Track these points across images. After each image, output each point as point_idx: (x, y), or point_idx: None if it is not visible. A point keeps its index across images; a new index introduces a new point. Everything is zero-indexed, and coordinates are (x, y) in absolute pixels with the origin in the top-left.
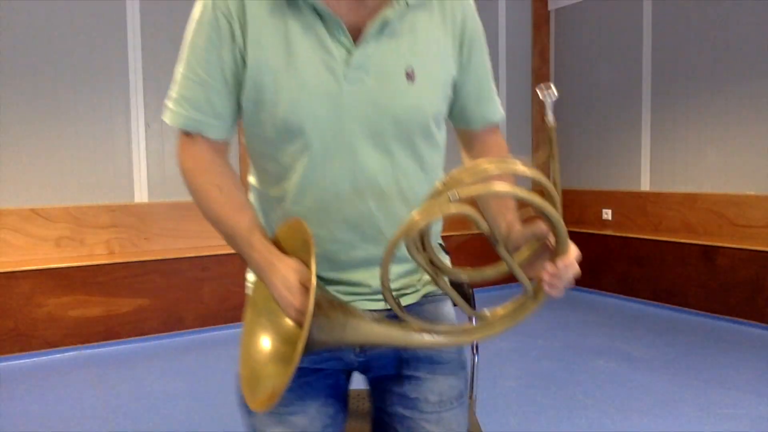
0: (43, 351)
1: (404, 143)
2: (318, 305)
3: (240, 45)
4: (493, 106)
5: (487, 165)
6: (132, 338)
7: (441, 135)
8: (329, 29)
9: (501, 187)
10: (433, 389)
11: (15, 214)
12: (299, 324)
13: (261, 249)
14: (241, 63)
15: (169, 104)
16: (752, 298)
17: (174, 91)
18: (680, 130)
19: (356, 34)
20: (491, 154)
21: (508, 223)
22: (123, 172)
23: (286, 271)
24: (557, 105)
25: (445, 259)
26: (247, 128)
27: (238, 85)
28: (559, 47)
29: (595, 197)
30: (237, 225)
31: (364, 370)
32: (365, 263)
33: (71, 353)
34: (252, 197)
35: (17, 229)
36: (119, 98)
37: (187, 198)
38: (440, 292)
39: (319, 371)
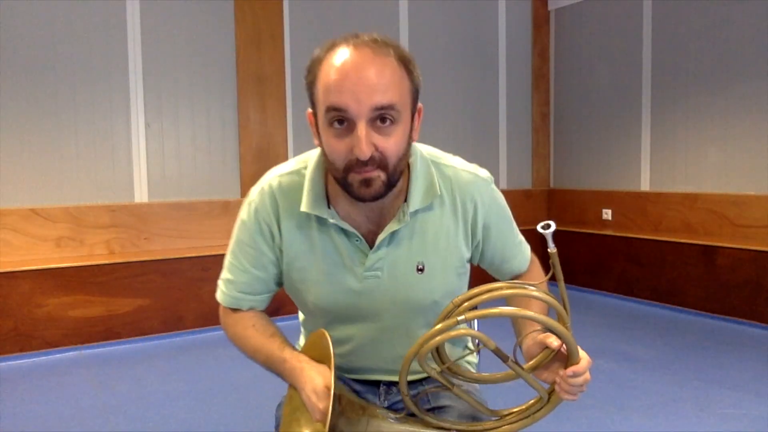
0: (43, 351)
1: (416, 315)
2: (340, 407)
3: (278, 245)
4: (520, 259)
5: (499, 288)
6: (132, 338)
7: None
8: (349, 238)
9: (507, 310)
10: (453, 413)
11: (15, 214)
12: (323, 424)
13: (291, 358)
14: (278, 258)
15: (221, 286)
16: (752, 298)
17: (223, 275)
18: (680, 130)
19: (373, 240)
20: None
21: (530, 334)
22: (123, 172)
23: (313, 375)
24: (557, 104)
25: (471, 358)
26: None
27: (275, 274)
28: (559, 47)
29: (595, 197)
30: (270, 347)
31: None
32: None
33: (71, 353)
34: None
35: (17, 229)
36: (119, 98)
37: (187, 198)
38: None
39: None
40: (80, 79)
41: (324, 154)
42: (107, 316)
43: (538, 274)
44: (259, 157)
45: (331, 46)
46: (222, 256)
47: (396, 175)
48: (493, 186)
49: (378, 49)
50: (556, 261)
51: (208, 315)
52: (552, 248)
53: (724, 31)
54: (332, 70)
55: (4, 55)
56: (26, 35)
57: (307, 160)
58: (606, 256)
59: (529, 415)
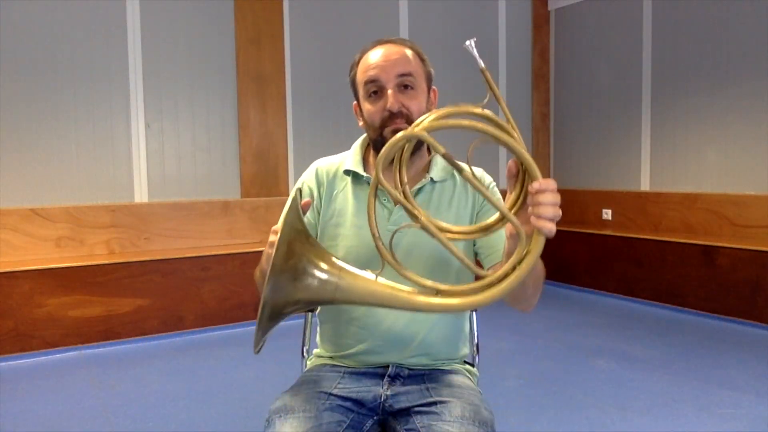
0: (43, 351)
1: (430, 272)
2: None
3: (317, 207)
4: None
5: (447, 109)
6: (132, 338)
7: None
8: (378, 198)
9: (466, 122)
10: (455, 407)
11: (15, 214)
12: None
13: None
14: (317, 220)
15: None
16: (752, 298)
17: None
18: (680, 130)
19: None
20: None
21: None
22: (123, 172)
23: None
24: (557, 104)
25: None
26: None
27: (314, 224)
28: (559, 47)
29: (595, 197)
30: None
31: (391, 406)
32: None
33: (71, 353)
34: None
35: (17, 229)
36: (119, 98)
37: (187, 198)
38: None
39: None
40: (80, 79)
41: (366, 126)
42: (107, 316)
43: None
44: (259, 157)
45: (364, 50)
46: (222, 256)
47: None
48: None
49: (396, 42)
50: (488, 76)
51: (208, 315)
52: (482, 64)
53: (724, 31)
54: (366, 59)
55: (4, 56)
56: (26, 35)
57: (348, 152)
58: (606, 256)
59: (519, 263)
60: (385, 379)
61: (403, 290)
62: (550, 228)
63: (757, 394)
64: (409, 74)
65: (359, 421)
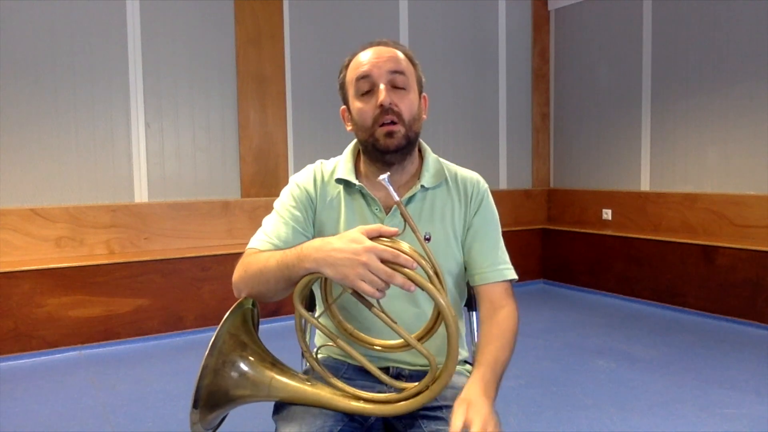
0: (43, 351)
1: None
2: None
3: (313, 207)
4: (494, 272)
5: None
6: (132, 338)
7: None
8: (370, 206)
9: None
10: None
11: (15, 214)
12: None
13: (311, 241)
14: (313, 219)
15: (257, 236)
16: (752, 298)
17: (258, 234)
18: (680, 130)
19: (389, 208)
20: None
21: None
22: (123, 172)
23: (344, 233)
24: (557, 104)
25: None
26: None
27: (304, 230)
28: (559, 47)
29: (595, 197)
30: (270, 257)
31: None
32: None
33: (71, 353)
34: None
35: (17, 229)
36: (119, 98)
37: (187, 198)
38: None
39: None
40: (80, 79)
41: (355, 129)
42: (107, 316)
43: (505, 319)
44: (259, 157)
45: (354, 53)
46: (222, 256)
47: (412, 133)
48: (489, 192)
49: (388, 44)
50: (403, 209)
51: (208, 315)
52: (395, 197)
53: (724, 31)
54: (357, 59)
55: (4, 56)
56: (26, 35)
57: (341, 158)
58: (606, 256)
59: (432, 383)
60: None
61: (327, 394)
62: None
63: (757, 394)
64: (401, 72)
65: (363, 417)
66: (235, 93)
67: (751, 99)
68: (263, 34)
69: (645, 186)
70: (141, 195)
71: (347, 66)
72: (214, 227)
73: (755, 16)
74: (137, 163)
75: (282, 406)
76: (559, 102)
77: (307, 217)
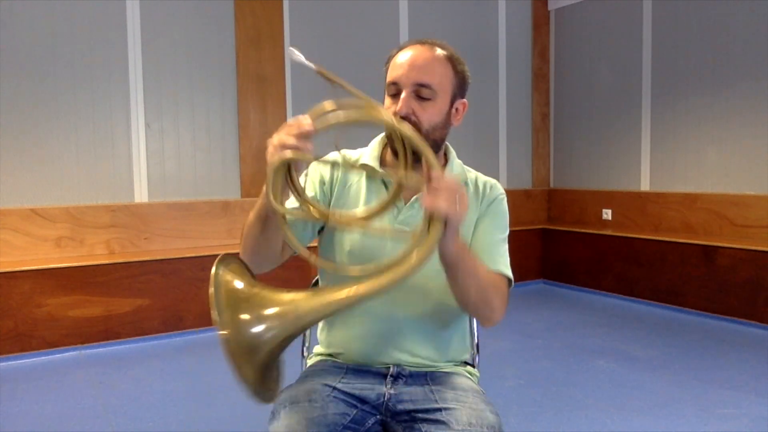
0: (43, 351)
1: (434, 274)
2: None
3: (329, 187)
4: (489, 264)
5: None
6: (132, 338)
7: None
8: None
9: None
10: (462, 415)
11: (15, 214)
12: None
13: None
14: (328, 200)
15: None
16: (752, 298)
17: None
18: (680, 130)
19: (408, 199)
20: None
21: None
22: (123, 172)
23: None
24: (557, 104)
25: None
26: (321, 254)
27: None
28: (559, 47)
29: (595, 197)
30: (250, 215)
31: (394, 406)
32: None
33: (71, 353)
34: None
35: (17, 229)
36: (119, 98)
37: (187, 198)
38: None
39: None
40: (80, 79)
41: None
42: (107, 316)
43: (496, 292)
44: (259, 157)
45: (400, 46)
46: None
47: (430, 141)
48: (505, 200)
49: (430, 46)
50: (325, 73)
51: (208, 315)
52: (312, 65)
53: (724, 31)
54: (396, 59)
55: (4, 56)
56: (26, 35)
57: (366, 148)
58: (606, 256)
59: (424, 243)
60: (387, 379)
61: (336, 293)
62: (444, 205)
63: (757, 394)
64: (427, 86)
65: (362, 417)
66: (235, 93)
67: (751, 99)
68: (263, 34)
69: (645, 186)
70: (141, 195)
71: (388, 62)
72: (214, 227)
73: (755, 16)
74: (137, 163)
75: (277, 414)
76: (559, 102)
77: (327, 188)
